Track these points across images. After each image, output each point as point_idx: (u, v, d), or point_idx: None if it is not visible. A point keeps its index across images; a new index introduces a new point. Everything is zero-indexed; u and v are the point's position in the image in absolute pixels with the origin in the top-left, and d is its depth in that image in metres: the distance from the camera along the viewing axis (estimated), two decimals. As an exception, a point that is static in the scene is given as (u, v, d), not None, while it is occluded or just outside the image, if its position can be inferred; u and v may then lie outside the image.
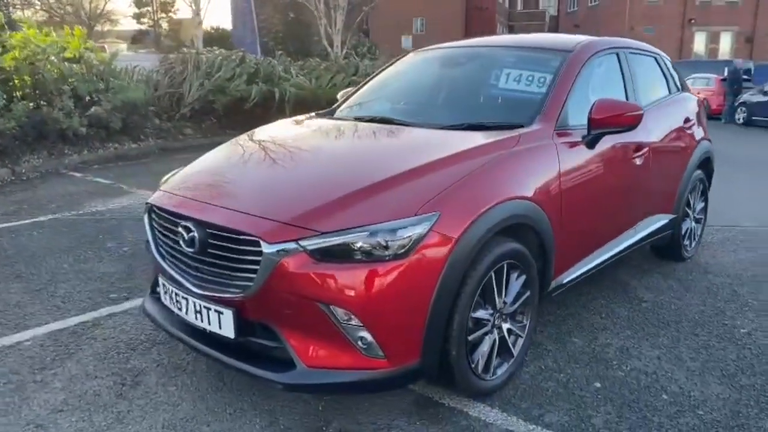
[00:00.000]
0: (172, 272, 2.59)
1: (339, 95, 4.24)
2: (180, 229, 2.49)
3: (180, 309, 2.57)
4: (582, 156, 3.07)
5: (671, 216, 4.14)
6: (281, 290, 2.25)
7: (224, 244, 2.37)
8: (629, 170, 3.52)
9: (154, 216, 2.76)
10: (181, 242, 2.50)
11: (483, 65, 3.64)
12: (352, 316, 2.20)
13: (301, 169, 2.82)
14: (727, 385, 2.81)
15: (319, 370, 2.28)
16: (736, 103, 18.01)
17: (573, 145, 3.03)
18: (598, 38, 3.72)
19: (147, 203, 2.82)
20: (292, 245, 2.23)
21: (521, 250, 2.64)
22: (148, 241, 3.02)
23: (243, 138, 3.43)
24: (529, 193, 2.68)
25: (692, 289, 4.01)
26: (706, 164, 4.62)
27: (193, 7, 14.74)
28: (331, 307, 2.21)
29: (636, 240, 3.75)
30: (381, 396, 2.64)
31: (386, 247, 2.21)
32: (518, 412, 2.57)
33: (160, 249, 2.72)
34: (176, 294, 2.56)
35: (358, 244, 2.21)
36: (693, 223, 4.57)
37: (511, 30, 55.26)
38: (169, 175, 3.10)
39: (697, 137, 4.43)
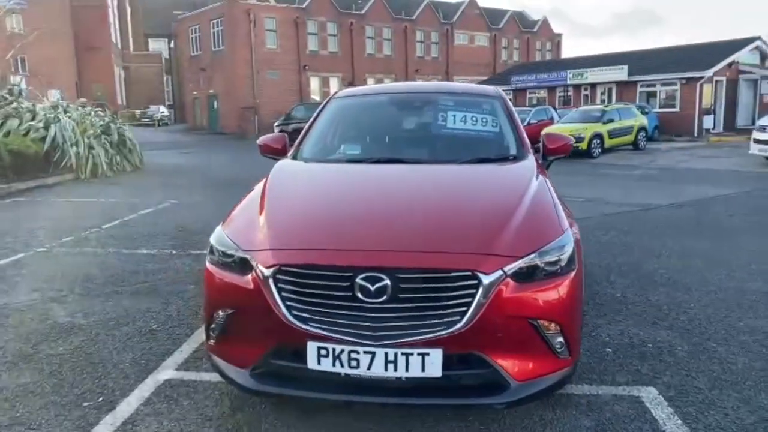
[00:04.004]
0: (333, 333, 2.42)
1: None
2: (361, 282, 2.38)
3: (356, 367, 2.42)
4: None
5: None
6: (496, 316, 2.42)
7: (425, 285, 2.40)
8: None
9: (288, 278, 2.47)
10: (360, 295, 2.39)
11: (432, 108, 4.12)
12: (554, 325, 2.53)
13: (425, 206, 2.90)
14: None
15: (529, 382, 2.52)
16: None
17: (542, 168, 3.81)
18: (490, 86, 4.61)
19: (273, 266, 2.48)
20: (499, 273, 2.44)
21: None
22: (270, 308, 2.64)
23: (288, 183, 3.34)
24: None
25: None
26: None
27: None
28: (538, 321, 2.50)
29: None
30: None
31: (559, 261, 2.61)
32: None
33: (301, 313, 2.46)
34: (351, 352, 2.41)
35: (543, 262, 2.55)
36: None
37: (127, 71, 53.17)
38: (239, 235, 2.74)
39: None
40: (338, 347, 2.42)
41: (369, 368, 2.41)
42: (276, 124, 30.18)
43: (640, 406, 2.95)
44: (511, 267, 2.46)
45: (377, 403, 2.52)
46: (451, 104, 4.17)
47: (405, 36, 44.52)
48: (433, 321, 2.41)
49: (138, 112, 48.20)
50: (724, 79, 27.24)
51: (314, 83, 40.61)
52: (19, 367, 3.41)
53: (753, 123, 26.69)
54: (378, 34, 43.58)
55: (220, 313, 2.69)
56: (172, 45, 57.54)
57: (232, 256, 2.68)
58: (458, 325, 2.39)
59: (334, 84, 41.43)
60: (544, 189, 3.11)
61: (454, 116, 4.01)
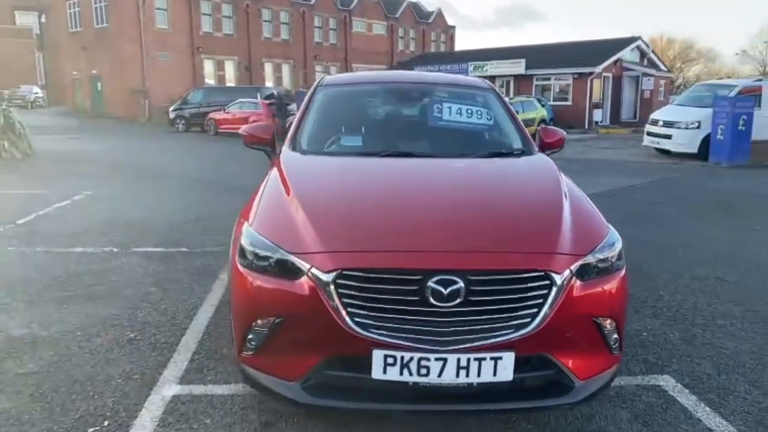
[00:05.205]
0: (401, 340, 2.27)
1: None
2: (433, 285, 2.24)
3: (426, 375, 2.29)
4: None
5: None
6: (565, 316, 2.38)
7: (496, 287, 2.31)
8: None
9: (349, 282, 2.28)
10: (431, 299, 2.25)
11: (428, 100, 3.99)
12: (610, 321, 2.53)
13: (474, 203, 2.80)
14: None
15: (590, 380, 2.50)
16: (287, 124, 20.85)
17: None
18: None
19: (334, 270, 2.27)
20: (567, 272, 2.40)
21: None
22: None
23: (312, 177, 3.10)
24: None
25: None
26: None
27: None
28: (599, 318, 2.49)
29: None
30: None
31: (611, 258, 2.60)
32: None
33: (363, 320, 2.28)
34: (421, 359, 2.27)
35: (598, 260, 2.54)
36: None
37: (-7, 47, 48.09)
38: (277, 235, 2.48)
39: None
40: (407, 355, 2.27)
41: (440, 375, 2.29)
42: (171, 108, 28.54)
43: (665, 395, 3.05)
44: (576, 265, 2.43)
45: (447, 411, 2.41)
46: (446, 95, 4.06)
47: (303, 21, 43.71)
48: (503, 324, 2.33)
49: (7, 92, 43.73)
50: (610, 75, 29.24)
51: (208, 66, 38.80)
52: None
53: (635, 117, 29.02)
54: (275, 18, 42.43)
55: (260, 321, 2.44)
56: (43, 19, 52.72)
57: (269, 258, 2.43)
58: (530, 327, 2.32)
59: (229, 67, 39.92)
60: (574, 185, 3.12)
61: (450, 108, 3.89)
